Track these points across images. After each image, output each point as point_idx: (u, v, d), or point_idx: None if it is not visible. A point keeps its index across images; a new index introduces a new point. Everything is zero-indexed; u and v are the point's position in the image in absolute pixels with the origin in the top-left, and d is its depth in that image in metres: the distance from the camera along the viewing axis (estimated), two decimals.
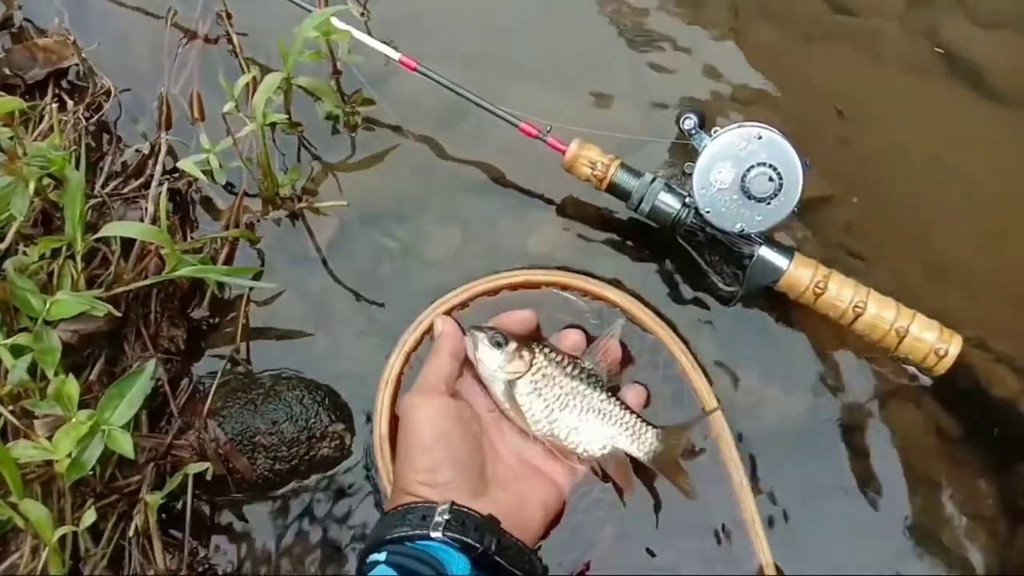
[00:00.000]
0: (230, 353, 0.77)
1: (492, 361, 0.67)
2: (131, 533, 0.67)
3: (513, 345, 0.67)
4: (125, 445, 0.62)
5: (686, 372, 0.74)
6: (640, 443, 0.68)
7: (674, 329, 0.77)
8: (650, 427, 0.68)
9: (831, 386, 0.78)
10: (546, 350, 0.69)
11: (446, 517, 0.57)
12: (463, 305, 0.76)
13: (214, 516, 0.74)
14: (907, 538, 0.73)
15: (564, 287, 0.77)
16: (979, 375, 0.79)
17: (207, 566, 0.71)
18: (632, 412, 0.69)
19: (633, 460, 0.69)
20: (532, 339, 0.70)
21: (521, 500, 0.64)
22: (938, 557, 0.73)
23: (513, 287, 0.77)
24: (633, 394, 0.71)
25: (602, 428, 0.68)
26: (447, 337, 0.69)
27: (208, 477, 0.70)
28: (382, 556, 0.56)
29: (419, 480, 0.61)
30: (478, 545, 0.57)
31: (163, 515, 0.72)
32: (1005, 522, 0.74)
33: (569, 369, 0.68)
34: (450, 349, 0.68)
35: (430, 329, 0.74)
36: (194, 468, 0.69)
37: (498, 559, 0.57)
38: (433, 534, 0.56)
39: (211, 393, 0.73)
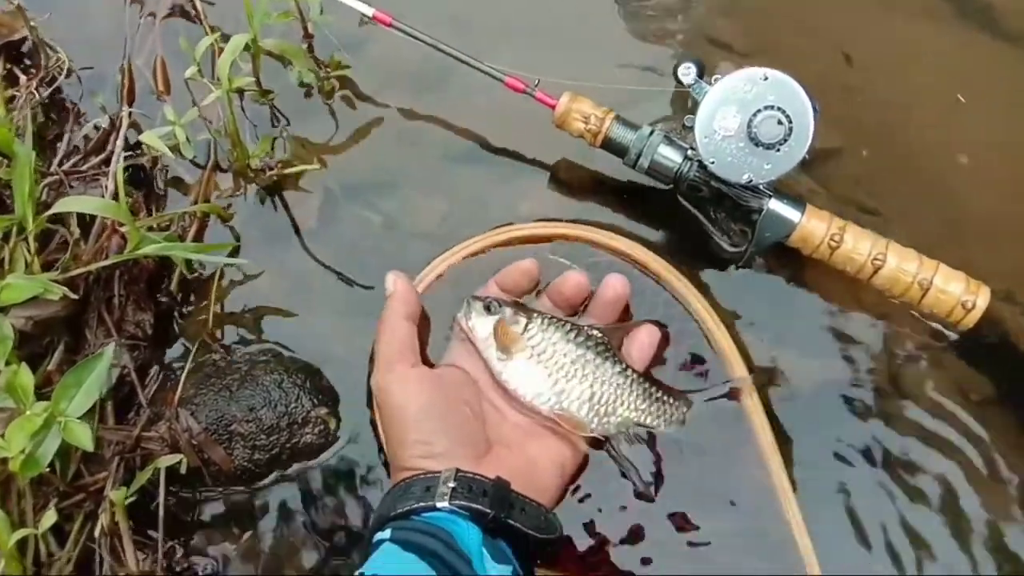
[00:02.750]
0: (202, 337, 0.72)
1: (483, 328, 0.62)
2: (97, 533, 0.61)
3: (508, 310, 0.62)
4: (83, 437, 0.56)
5: (712, 333, 0.69)
6: (668, 418, 0.63)
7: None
8: (677, 400, 0.63)
9: (848, 348, 0.73)
10: (545, 315, 0.63)
11: (451, 485, 0.53)
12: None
13: (192, 512, 0.68)
14: (932, 507, 0.68)
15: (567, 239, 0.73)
16: (1007, 329, 0.74)
17: (186, 566, 0.66)
18: (655, 384, 0.63)
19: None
20: (528, 307, 0.64)
21: (531, 460, 0.60)
22: (965, 526, 0.68)
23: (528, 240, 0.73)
24: (646, 333, 0.66)
25: (620, 399, 0.62)
26: (399, 299, 0.63)
27: (183, 470, 0.65)
28: (387, 534, 0.52)
29: (415, 454, 0.56)
30: (489, 511, 0.52)
31: (136, 513, 0.66)
32: None
33: (572, 335, 0.63)
34: (404, 311, 0.62)
35: (428, 287, 0.70)
36: (166, 461, 0.64)
37: (512, 522, 0.53)
38: (439, 504, 0.52)
39: (182, 380, 0.68)
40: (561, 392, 0.62)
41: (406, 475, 0.56)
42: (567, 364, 0.62)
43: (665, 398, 0.63)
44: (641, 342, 0.66)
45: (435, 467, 0.55)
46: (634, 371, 0.63)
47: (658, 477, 0.65)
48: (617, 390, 0.62)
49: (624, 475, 0.64)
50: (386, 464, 0.68)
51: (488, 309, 0.62)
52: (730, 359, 0.68)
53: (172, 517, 0.67)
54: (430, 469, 0.55)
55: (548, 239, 0.73)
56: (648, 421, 0.63)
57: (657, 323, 0.68)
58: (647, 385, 0.63)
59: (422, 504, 0.53)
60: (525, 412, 0.63)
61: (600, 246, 0.73)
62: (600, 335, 0.63)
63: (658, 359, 0.68)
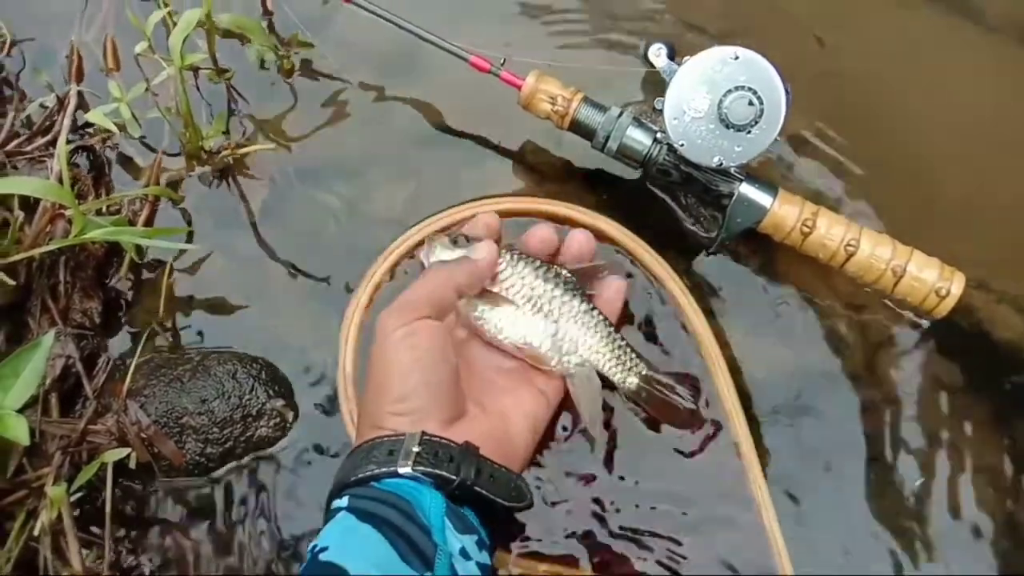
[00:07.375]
0: (152, 326, 0.69)
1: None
2: (37, 531, 0.58)
3: (474, 244, 0.60)
4: (19, 431, 0.53)
5: (710, 359, 0.68)
6: (625, 369, 0.61)
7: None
8: (640, 360, 0.62)
9: (821, 337, 0.72)
10: (514, 251, 0.61)
11: (415, 450, 0.51)
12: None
13: (142, 509, 0.66)
14: (906, 496, 0.67)
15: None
16: (980, 317, 0.73)
17: (135, 564, 0.64)
18: (619, 335, 0.62)
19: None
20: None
21: (504, 417, 0.58)
22: (940, 514, 0.67)
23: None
24: (613, 289, 0.65)
25: (583, 339, 0.61)
26: (470, 270, 0.58)
27: (132, 465, 0.63)
28: (344, 501, 0.50)
29: (390, 410, 0.54)
30: (454, 477, 0.50)
31: (85, 509, 0.64)
32: (1012, 473, 0.68)
33: (542, 271, 0.61)
34: (464, 281, 0.58)
35: (398, 263, 0.69)
36: (113, 455, 0.61)
37: (479, 489, 0.51)
38: (401, 470, 0.50)
39: (131, 371, 0.65)
40: (527, 326, 0.60)
41: (373, 435, 0.53)
42: (535, 298, 0.61)
43: (627, 349, 0.62)
44: (607, 299, 0.65)
45: (405, 427, 0.52)
46: (601, 313, 0.62)
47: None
48: (582, 328, 0.61)
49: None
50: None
51: (455, 243, 0.60)
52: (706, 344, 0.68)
53: (121, 514, 0.64)
54: (399, 429, 0.52)
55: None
56: (606, 368, 0.62)
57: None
58: (612, 331, 0.62)
59: (384, 470, 0.50)
60: (494, 354, 0.62)
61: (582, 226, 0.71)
62: (569, 275, 0.62)
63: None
